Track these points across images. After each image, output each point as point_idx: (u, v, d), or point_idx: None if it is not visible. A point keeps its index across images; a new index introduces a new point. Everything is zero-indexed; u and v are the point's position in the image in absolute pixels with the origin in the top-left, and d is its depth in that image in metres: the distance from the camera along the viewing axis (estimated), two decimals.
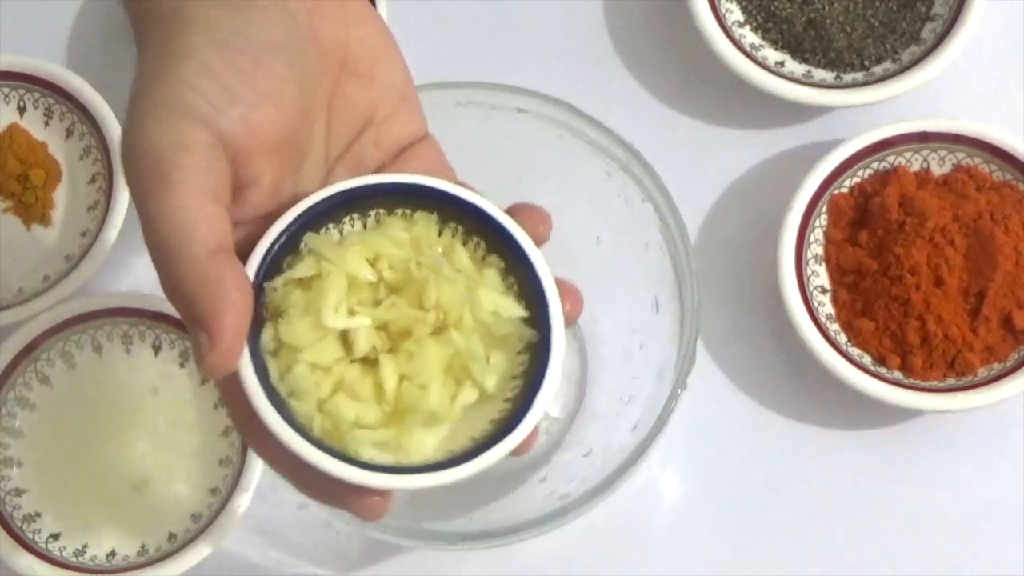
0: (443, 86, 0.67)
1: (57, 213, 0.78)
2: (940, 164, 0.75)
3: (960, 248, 0.71)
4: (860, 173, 0.75)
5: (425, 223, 0.48)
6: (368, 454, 0.45)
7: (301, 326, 0.45)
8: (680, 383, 0.63)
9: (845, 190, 0.75)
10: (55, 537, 0.71)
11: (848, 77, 0.77)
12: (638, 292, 0.69)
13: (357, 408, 0.45)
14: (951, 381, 0.71)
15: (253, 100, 0.44)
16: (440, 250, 0.48)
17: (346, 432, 0.45)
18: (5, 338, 0.73)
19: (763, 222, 0.76)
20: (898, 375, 0.72)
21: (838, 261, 0.74)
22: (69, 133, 0.79)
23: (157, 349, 0.74)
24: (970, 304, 0.71)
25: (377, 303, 0.46)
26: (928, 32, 0.77)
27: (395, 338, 0.46)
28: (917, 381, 0.71)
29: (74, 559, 0.71)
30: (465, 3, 0.82)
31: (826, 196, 0.74)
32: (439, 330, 0.46)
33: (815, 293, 0.73)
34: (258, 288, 0.45)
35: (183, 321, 0.44)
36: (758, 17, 0.79)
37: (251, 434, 0.45)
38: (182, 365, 0.74)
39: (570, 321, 0.48)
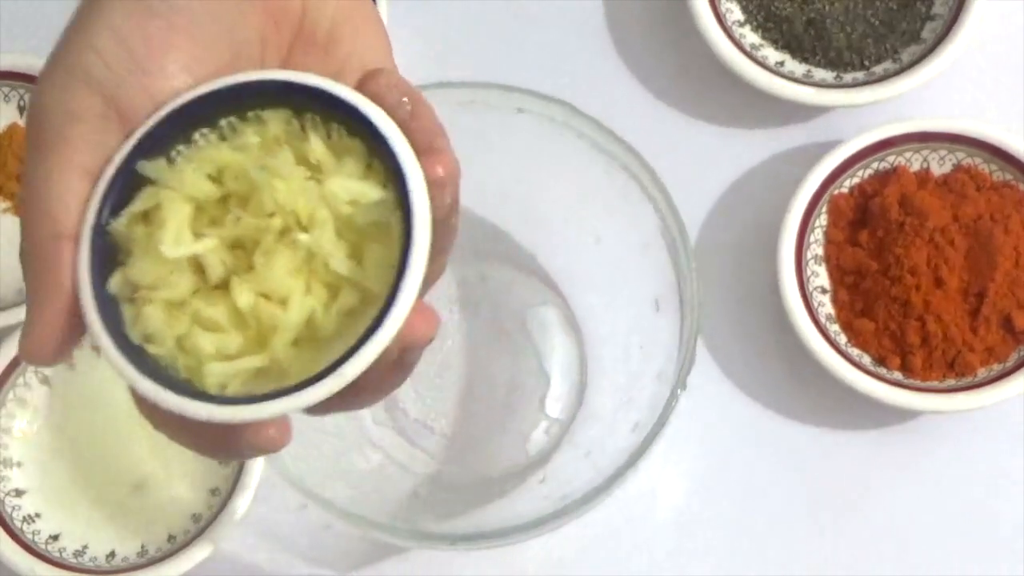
0: (443, 86, 0.67)
1: None
2: (940, 164, 0.75)
3: (960, 248, 0.71)
4: (860, 173, 0.75)
5: (277, 121, 0.43)
6: (236, 384, 0.41)
7: (145, 263, 0.41)
8: (680, 383, 0.63)
9: (845, 190, 0.75)
10: (55, 537, 0.71)
11: (848, 77, 0.77)
12: (638, 292, 0.69)
13: (216, 339, 0.41)
14: (951, 381, 0.71)
15: (162, 70, 0.41)
16: (292, 146, 0.43)
17: (206, 366, 0.41)
18: (5, 338, 0.73)
19: (763, 222, 0.76)
20: (898, 375, 0.72)
21: (838, 261, 0.74)
22: None
23: None
24: (970, 304, 0.71)
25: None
26: (928, 32, 0.77)
27: (252, 255, 0.42)
28: (917, 381, 0.71)
29: (74, 559, 0.71)
30: (465, 3, 0.82)
31: (826, 196, 0.74)
32: (288, 232, 0.41)
33: (815, 293, 0.73)
34: (102, 229, 0.41)
35: None
36: (758, 17, 0.79)
37: (139, 404, 0.43)
38: None
39: (443, 185, 0.42)
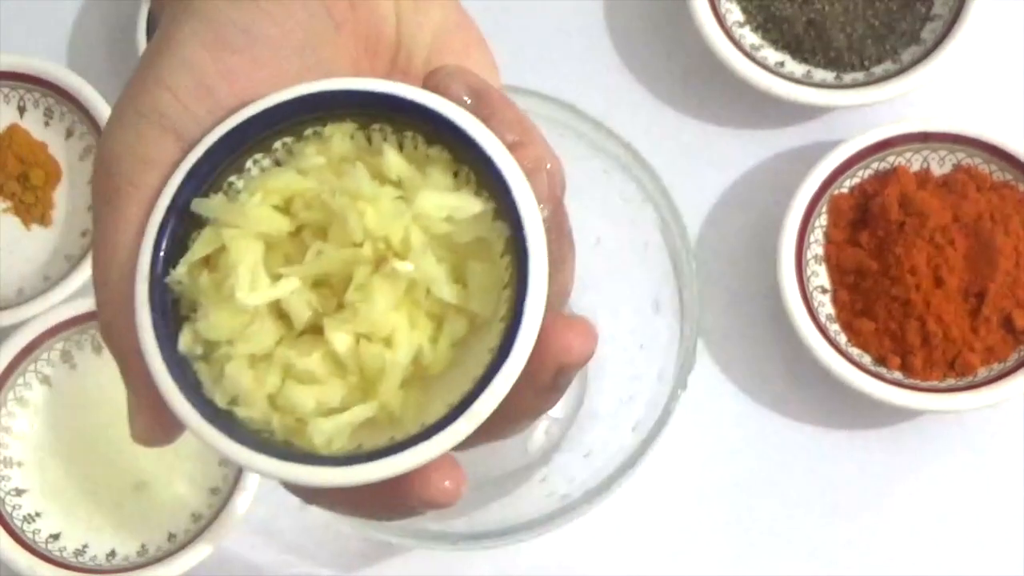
0: None
1: (57, 213, 0.78)
2: (940, 164, 0.75)
3: (960, 248, 0.71)
4: (860, 173, 0.75)
5: (340, 136, 0.38)
6: (343, 439, 0.36)
7: (219, 315, 0.36)
8: (680, 383, 0.63)
9: (845, 190, 0.75)
10: (55, 537, 0.71)
11: (848, 77, 0.77)
12: (638, 292, 0.69)
13: (317, 392, 0.36)
14: (951, 381, 0.71)
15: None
16: (363, 162, 0.37)
17: (312, 424, 0.36)
18: (5, 338, 0.73)
19: (763, 222, 0.76)
20: (898, 375, 0.72)
21: (838, 261, 0.74)
22: (69, 133, 0.78)
23: None
24: (970, 304, 0.71)
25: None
26: (928, 32, 0.77)
27: (341, 292, 0.37)
28: (917, 381, 0.71)
29: (74, 559, 0.71)
30: (465, 3, 0.82)
31: (826, 196, 0.74)
32: (385, 262, 0.36)
33: (815, 293, 0.73)
34: (159, 284, 0.37)
35: None
36: (758, 17, 0.79)
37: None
38: None
39: (549, 196, 0.37)
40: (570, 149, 0.68)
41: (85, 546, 0.71)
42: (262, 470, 0.36)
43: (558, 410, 0.74)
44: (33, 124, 0.79)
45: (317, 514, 0.71)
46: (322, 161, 0.37)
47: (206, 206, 0.37)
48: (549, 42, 0.81)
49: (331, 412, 0.36)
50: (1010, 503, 0.72)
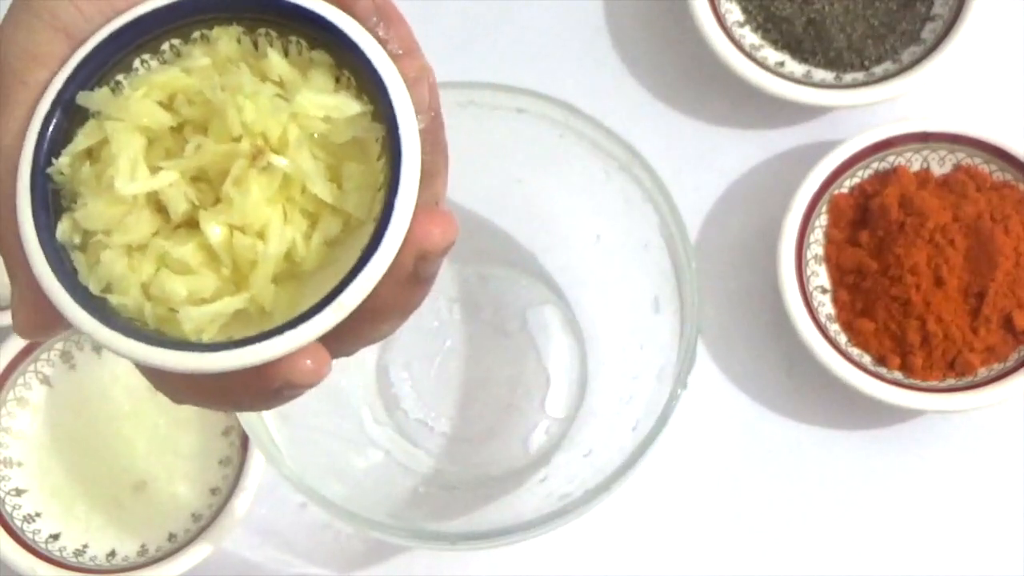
0: (442, 86, 0.66)
1: None
2: (940, 164, 0.75)
3: (960, 248, 0.71)
4: (860, 173, 0.75)
5: (227, 39, 0.39)
6: (212, 331, 0.37)
7: (97, 205, 0.37)
8: (680, 383, 0.63)
9: (845, 190, 0.75)
10: (55, 537, 0.71)
11: (848, 77, 0.77)
12: (638, 292, 0.69)
13: (189, 281, 0.37)
14: (951, 381, 0.71)
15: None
16: (248, 64, 0.38)
17: (182, 312, 0.37)
18: (5, 338, 0.73)
19: (763, 222, 0.76)
20: (898, 375, 0.72)
21: (838, 261, 0.74)
22: None
23: None
24: (970, 304, 0.71)
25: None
26: (928, 32, 0.77)
27: (219, 188, 0.37)
28: (917, 381, 0.71)
29: (74, 559, 0.71)
30: (464, 3, 0.82)
31: (826, 196, 0.74)
32: (261, 156, 0.37)
33: (815, 293, 0.73)
34: (41, 174, 0.37)
35: None
36: (758, 17, 0.79)
37: (145, 372, 0.39)
38: None
39: (421, 81, 0.38)
40: (570, 149, 0.68)
41: (85, 546, 0.71)
42: (132, 355, 0.36)
43: (558, 410, 0.74)
44: None
45: (317, 514, 0.71)
46: (207, 62, 0.38)
47: (90, 98, 0.38)
48: (549, 42, 0.81)
49: (203, 302, 0.37)
50: (1010, 503, 0.72)
